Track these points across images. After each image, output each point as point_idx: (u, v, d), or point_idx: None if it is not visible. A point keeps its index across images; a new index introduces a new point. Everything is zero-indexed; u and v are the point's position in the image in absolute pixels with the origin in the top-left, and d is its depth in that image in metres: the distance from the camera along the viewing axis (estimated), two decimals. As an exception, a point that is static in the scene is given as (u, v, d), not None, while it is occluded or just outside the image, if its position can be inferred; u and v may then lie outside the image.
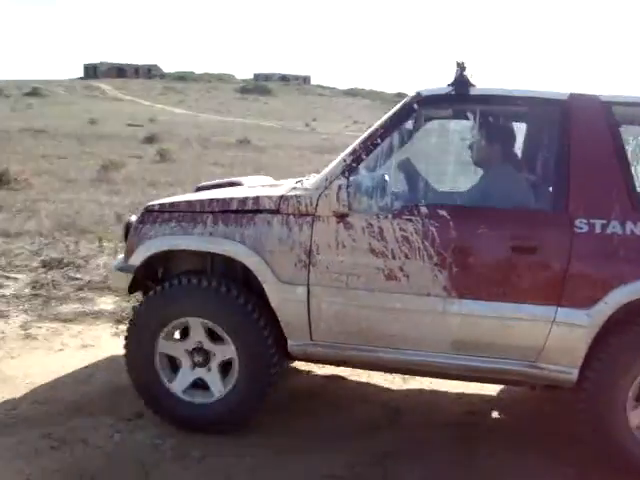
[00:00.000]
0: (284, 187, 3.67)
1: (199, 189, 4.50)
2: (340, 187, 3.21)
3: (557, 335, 3.08)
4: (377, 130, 3.38)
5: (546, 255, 3.08)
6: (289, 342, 3.48)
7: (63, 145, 22.60)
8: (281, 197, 3.44)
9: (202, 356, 3.60)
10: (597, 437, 3.19)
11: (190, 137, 29.00)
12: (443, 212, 3.20)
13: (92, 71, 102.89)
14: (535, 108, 3.46)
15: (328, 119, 53.99)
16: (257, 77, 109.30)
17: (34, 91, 56.17)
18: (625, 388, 3.05)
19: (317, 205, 3.33)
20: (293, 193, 3.45)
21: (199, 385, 3.64)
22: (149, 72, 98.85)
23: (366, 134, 3.43)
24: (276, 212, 3.40)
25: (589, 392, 3.13)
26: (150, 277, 3.75)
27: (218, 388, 3.58)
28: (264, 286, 3.41)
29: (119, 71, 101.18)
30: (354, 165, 3.34)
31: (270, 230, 3.39)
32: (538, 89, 3.37)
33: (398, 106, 3.42)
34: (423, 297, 3.21)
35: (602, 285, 3.01)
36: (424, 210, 3.21)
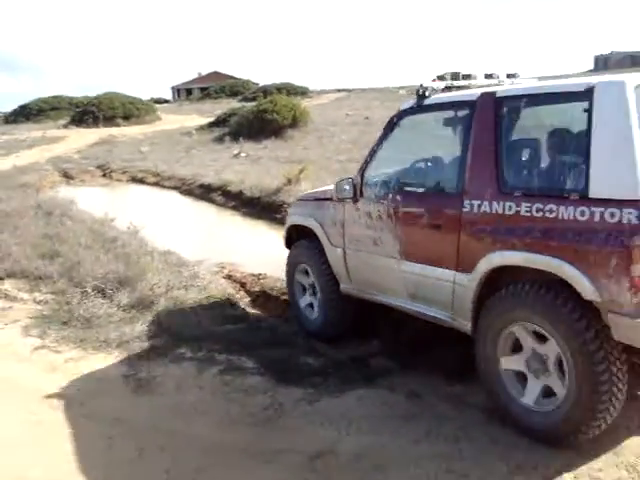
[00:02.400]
0: None
1: None
2: (355, 181, 4.63)
3: (457, 294, 3.85)
4: (377, 140, 4.67)
5: (447, 230, 3.87)
6: (340, 285, 5.05)
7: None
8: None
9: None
10: (483, 377, 3.78)
11: None
12: (398, 197, 4.29)
13: (602, 62, 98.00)
14: (458, 108, 4.08)
15: None
16: None
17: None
18: (494, 341, 3.62)
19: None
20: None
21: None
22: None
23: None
24: (331, 199, 4.96)
25: (477, 342, 3.78)
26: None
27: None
28: (324, 247, 5.11)
29: (633, 59, 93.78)
30: (365, 166, 4.67)
31: (327, 211, 5.05)
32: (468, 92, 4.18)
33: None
34: (390, 258, 4.39)
35: (476, 254, 3.66)
36: (390, 196, 4.35)
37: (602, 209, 3.09)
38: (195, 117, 42.62)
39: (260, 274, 7.30)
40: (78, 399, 4.20)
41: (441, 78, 4.46)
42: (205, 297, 6.10)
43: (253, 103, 36.92)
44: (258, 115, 27.60)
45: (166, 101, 69.04)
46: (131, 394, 4.27)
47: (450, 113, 4.15)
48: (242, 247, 9.48)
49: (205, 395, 4.22)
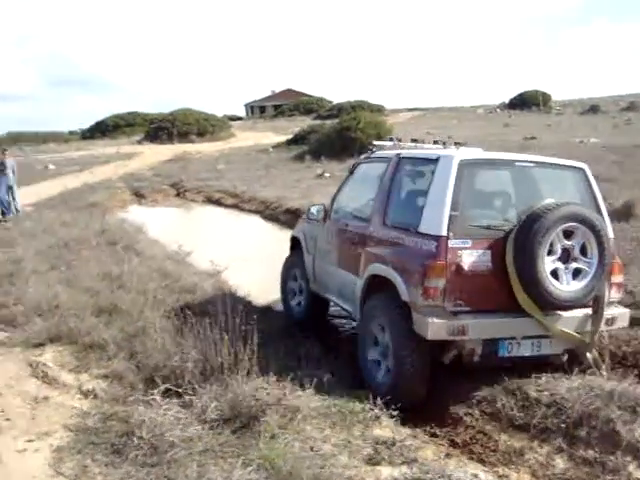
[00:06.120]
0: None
1: None
2: (326, 207, 6.12)
3: (356, 293, 5.06)
4: (344, 178, 6.32)
5: (358, 247, 5.18)
6: (310, 284, 6.29)
7: None
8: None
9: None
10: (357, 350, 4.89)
11: None
12: (342, 221, 5.75)
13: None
14: (384, 162, 5.44)
15: None
16: None
17: (631, 105, 51.88)
18: (371, 331, 4.72)
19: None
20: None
21: None
22: None
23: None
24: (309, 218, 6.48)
25: (359, 324, 5.08)
26: None
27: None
28: (304, 254, 6.40)
29: None
30: (334, 196, 6.15)
31: (307, 226, 6.49)
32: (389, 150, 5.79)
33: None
34: (333, 266, 5.73)
35: (366, 265, 4.92)
36: (339, 220, 5.82)
37: (422, 240, 4.44)
38: (270, 134, 41.33)
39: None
40: None
41: (391, 140, 6.27)
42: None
43: (328, 121, 35.28)
44: (341, 133, 25.63)
45: (239, 118, 68.25)
46: None
47: (381, 165, 5.43)
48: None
49: None
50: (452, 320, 4.14)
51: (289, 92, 72.72)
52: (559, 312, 4.32)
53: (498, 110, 57.92)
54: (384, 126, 26.18)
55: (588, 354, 4.45)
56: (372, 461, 3.36)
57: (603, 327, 4.46)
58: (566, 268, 4.33)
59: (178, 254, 8.98)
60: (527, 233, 4.21)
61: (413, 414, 4.18)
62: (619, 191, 13.06)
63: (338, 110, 48.51)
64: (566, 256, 4.34)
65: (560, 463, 3.48)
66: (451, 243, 4.21)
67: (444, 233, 4.21)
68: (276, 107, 68.40)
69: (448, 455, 3.67)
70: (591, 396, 3.75)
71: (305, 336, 5.67)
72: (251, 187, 18.01)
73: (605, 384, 3.89)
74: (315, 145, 26.38)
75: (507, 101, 60.55)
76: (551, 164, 4.91)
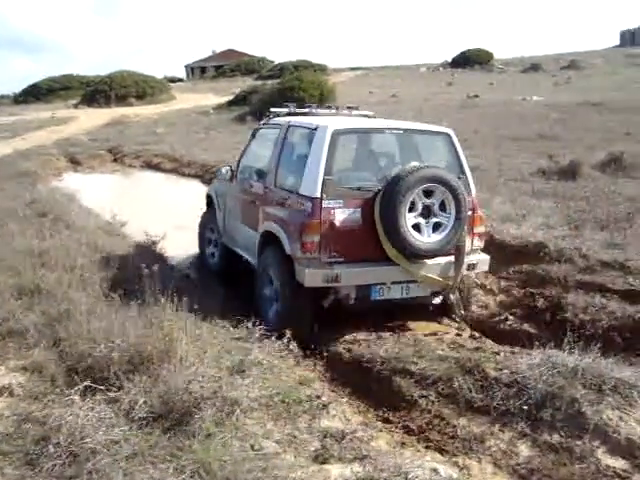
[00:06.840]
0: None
1: None
2: (233, 168, 6.73)
3: (255, 245, 5.63)
4: (247, 141, 6.92)
5: (256, 205, 5.78)
6: (222, 238, 6.88)
7: (631, 121, 17.26)
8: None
9: None
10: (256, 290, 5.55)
11: None
12: (244, 182, 6.36)
13: (629, 37, 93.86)
14: (278, 128, 5.98)
15: None
16: None
17: (571, 64, 52.50)
18: (265, 278, 5.38)
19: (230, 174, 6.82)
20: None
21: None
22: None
23: None
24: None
25: (256, 274, 5.61)
26: None
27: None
28: (216, 211, 7.03)
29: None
30: (240, 158, 6.74)
31: (218, 185, 7.17)
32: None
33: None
34: (238, 222, 6.39)
35: (263, 222, 5.50)
36: (243, 181, 6.40)
37: (301, 200, 5.01)
38: (211, 96, 40.33)
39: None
40: None
41: (287, 107, 6.45)
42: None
43: (270, 81, 34.50)
44: (283, 93, 24.96)
45: (180, 80, 66.21)
46: None
47: (276, 131, 6.01)
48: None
49: None
50: (326, 269, 4.82)
51: (230, 52, 70.76)
52: (424, 260, 4.99)
53: (441, 69, 57.89)
54: (326, 86, 25.65)
55: (452, 295, 5.35)
56: (320, 459, 3.04)
57: (465, 272, 5.15)
58: (427, 223, 4.97)
59: (112, 225, 8.42)
60: (391, 193, 4.79)
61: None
62: (563, 149, 13.06)
63: (280, 70, 47.53)
64: (427, 212, 4.96)
65: (524, 450, 3.23)
66: (325, 203, 4.85)
67: (318, 195, 4.85)
68: (217, 68, 66.53)
69: (403, 444, 3.41)
70: (554, 373, 3.51)
71: (245, 314, 5.30)
72: (191, 150, 17.34)
73: (567, 359, 3.64)
74: (257, 105, 25.62)
75: (450, 60, 60.57)
76: (419, 130, 5.54)
